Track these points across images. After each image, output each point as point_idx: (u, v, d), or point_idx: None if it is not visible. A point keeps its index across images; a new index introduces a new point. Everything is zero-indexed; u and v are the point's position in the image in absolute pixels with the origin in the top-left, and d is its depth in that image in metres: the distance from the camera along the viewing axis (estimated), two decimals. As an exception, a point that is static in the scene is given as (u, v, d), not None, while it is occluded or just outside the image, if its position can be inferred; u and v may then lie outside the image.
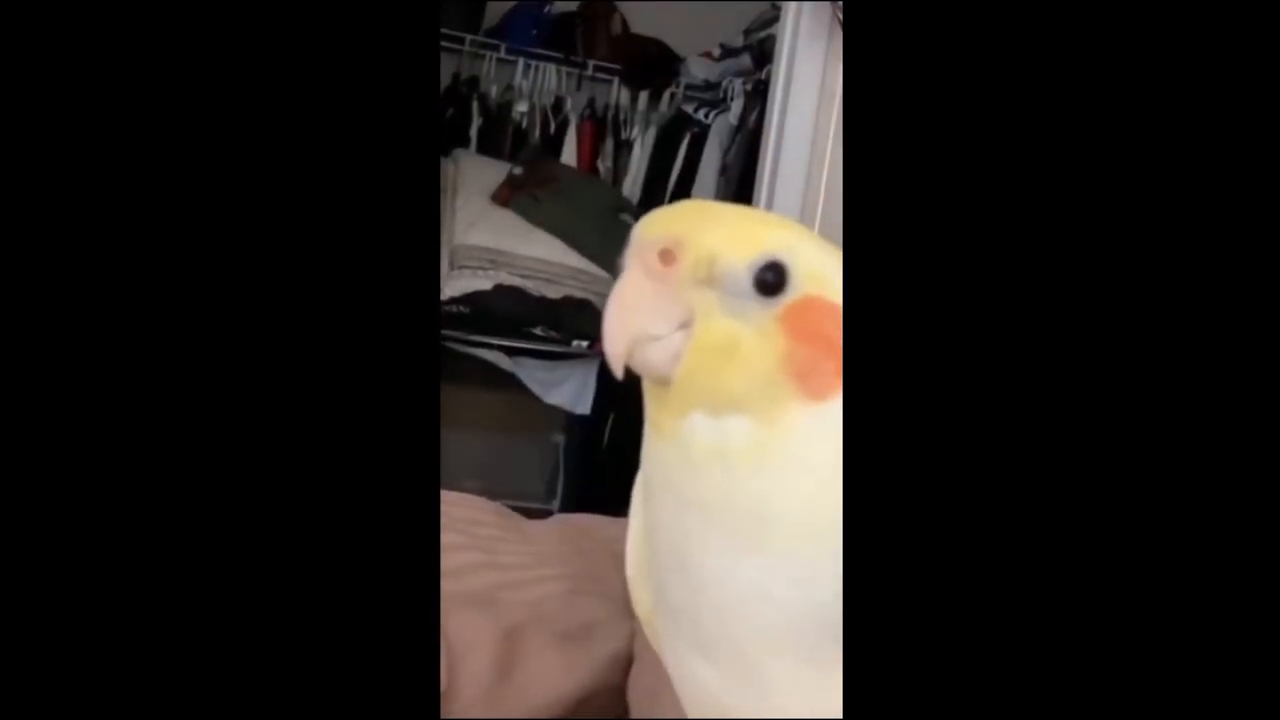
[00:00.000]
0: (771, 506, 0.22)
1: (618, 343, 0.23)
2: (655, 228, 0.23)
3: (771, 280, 0.22)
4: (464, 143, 2.67)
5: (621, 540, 0.30)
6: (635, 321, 0.23)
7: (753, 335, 0.22)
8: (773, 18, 2.18)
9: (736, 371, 0.22)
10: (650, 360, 0.23)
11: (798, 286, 0.22)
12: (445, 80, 2.72)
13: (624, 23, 2.76)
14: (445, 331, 2.34)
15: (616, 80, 2.72)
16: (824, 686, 0.22)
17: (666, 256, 0.23)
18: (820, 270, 0.23)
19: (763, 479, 0.22)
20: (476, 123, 2.70)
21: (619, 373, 0.23)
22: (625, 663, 0.46)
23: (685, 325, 0.22)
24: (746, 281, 0.22)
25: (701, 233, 0.23)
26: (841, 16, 1.52)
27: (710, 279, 0.22)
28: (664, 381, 0.23)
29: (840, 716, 0.22)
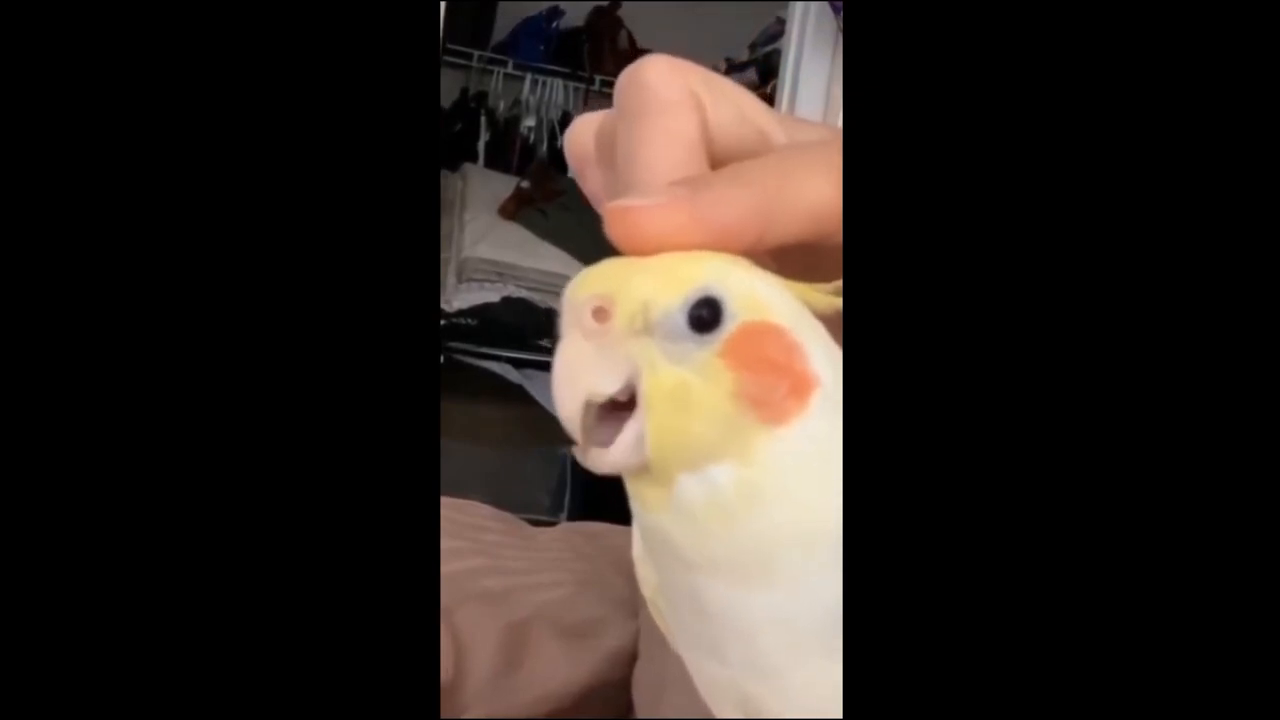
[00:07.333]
0: (772, 543, 0.22)
1: (568, 407, 0.23)
2: (585, 288, 0.23)
3: (707, 316, 0.22)
4: (472, 157, 2.69)
5: (625, 547, 0.31)
6: (582, 383, 0.22)
7: (699, 379, 0.22)
8: (778, 32, 2.19)
9: (697, 421, 0.22)
10: (616, 461, 0.22)
11: (734, 315, 0.22)
12: (454, 95, 2.73)
13: (630, 38, 2.78)
14: (453, 344, 2.35)
15: (623, 95, 2.73)
16: (836, 674, 0.23)
17: (600, 314, 0.22)
18: (753, 294, 0.22)
19: (757, 519, 0.22)
20: (484, 137, 2.71)
21: (578, 438, 0.23)
22: (629, 659, 0.47)
23: (631, 380, 0.22)
24: (682, 322, 0.22)
25: (630, 283, 0.22)
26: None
27: (647, 327, 0.22)
28: (639, 470, 0.22)
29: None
